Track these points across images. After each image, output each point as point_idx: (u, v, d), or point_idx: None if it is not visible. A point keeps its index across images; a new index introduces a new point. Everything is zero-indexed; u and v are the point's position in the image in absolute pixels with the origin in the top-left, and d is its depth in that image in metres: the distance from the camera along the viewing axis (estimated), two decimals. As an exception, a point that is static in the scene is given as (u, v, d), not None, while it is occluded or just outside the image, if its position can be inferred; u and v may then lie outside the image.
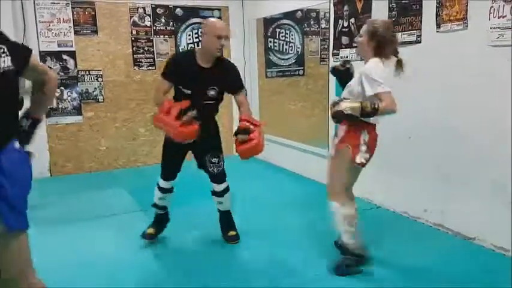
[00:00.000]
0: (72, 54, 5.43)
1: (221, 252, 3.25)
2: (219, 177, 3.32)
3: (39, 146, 5.35)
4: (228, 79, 3.16)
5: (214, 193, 3.36)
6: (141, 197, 4.36)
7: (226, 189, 3.36)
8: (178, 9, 5.94)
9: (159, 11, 5.83)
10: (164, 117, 2.90)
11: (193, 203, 4.09)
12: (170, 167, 3.31)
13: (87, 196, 4.64)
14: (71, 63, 5.45)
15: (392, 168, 3.87)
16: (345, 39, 4.26)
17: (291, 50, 5.72)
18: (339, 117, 2.56)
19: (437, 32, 3.32)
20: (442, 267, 2.88)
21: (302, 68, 5.93)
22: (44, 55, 5.30)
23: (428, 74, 3.43)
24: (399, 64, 2.64)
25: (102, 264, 3.05)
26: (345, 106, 2.51)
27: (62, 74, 5.41)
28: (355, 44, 4.04)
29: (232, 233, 3.41)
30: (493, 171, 3.05)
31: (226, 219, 3.45)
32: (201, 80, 3.03)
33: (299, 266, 2.95)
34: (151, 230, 3.38)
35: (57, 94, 5.43)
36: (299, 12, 5.17)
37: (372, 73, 2.48)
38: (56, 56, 5.36)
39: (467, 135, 3.18)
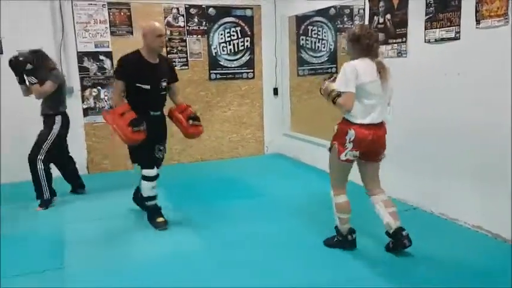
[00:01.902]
0: (108, 55, 5.58)
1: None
2: (160, 162, 3.77)
3: (77, 144, 5.53)
4: (171, 71, 3.72)
5: (149, 178, 3.58)
6: (173, 194, 4.44)
7: (154, 178, 3.64)
8: (211, 9, 5.99)
9: (193, 11, 5.90)
10: (118, 120, 3.35)
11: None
12: (149, 154, 3.63)
13: (123, 193, 4.73)
14: (107, 63, 5.59)
15: (429, 168, 3.78)
16: (380, 36, 4.15)
17: (324, 48, 5.67)
18: (320, 93, 2.99)
19: (476, 28, 3.21)
20: (482, 270, 2.80)
21: (335, 65, 5.87)
22: (81, 55, 5.46)
23: (468, 71, 3.32)
24: (379, 66, 2.83)
25: (137, 258, 3.13)
26: (324, 86, 2.92)
27: (99, 74, 5.56)
28: (391, 41, 4.02)
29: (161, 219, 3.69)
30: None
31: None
32: (154, 74, 3.51)
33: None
34: (161, 219, 3.64)
35: (94, 94, 5.58)
36: (332, 9, 5.11)
37: (344, 71, 2.79)
38: (93, 56, 5.52)
39: (508, 133, 3.06)
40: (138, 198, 3.94)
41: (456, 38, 3.39)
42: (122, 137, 3.39)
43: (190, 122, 3.70)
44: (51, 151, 4.30)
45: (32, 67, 4.11)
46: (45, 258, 3.16)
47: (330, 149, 3.03)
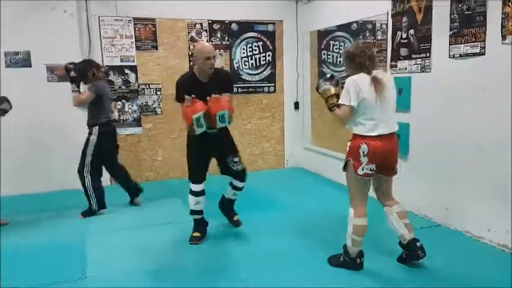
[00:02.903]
0: (133, 69, 5.70)
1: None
2: (242, 174, 3.75)
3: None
4: (223, 84, 3.59)
5: (235, 188, 3.79)
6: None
7: (243, 188, 3.82)
8: (233, 24, 6.08)
9: (215, 26, 6.00)
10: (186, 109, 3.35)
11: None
12: (198, 170, 3.62)
13: (145, 205, 4.81)
14: (132, 77, 5.72)
15: (454, 183, 3.72)
16: (403, 51, 4.17)
17: (346, 72, 5.65)
18: (316, 88, 3.12)
19: (502, 43, 3.17)
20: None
21: (356, 80, 5.84)
22: (107, 69, 5.59)
23: (493, 87, 3.28)
24: (373, 81, 2.84)
25: (158, 270, 3.15)
26: (324, 88, 3.03)
27: (124, 87, 5.69)
28: (414, 56, 4.00)
29: (236, 217, 3.94)
30: None
31: (232, 206, 3.96)
32: (205, 93, 3.41)
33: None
34: (197, 234, 3.69)
35: (119, 106, 5.71)
36: (354, 24, 5.12)
37: (346, 86, 2.87)
38: (119, 70, 5.65)
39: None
40: (224, 205, 3.98)
41: (481, 54, 3.35)
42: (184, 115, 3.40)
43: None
44: (94, 162, 4.38)
45: (75, 75, 4.28)
46: (67, 268, 3.21)
47: (344, 168, 3.02)
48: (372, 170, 2.91)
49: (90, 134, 4.38)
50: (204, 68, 3.46)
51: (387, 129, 2.91)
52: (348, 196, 3.06)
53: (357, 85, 2.83)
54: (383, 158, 2.91)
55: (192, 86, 3.46)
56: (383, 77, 2.91)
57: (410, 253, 3.05)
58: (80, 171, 4.36)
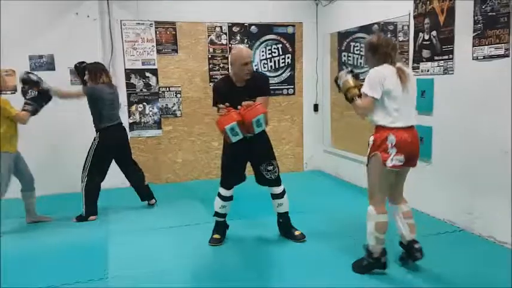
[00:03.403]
0: (154, 72, 5.77)
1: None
2: (276, 181, 3.62)
3: (122, 157, 5.72)
4: (259, 88, 3.50)
5: (275, 196, 3.66)
6: (213, 209, 4.48)
7: (284, 191, 3.68)
8: (253, 27, 6.09)
9: (235, 29, 6.02)
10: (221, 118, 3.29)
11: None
12: (230, 176, 3.59)
13: (164, 206, 4.85)
14: (153, 80, 5.79)
15: (478, 187, 3.64)
16: (426, 53, 4.11)
17: (366, 64, 5.61)
18: (335, 80, 3.10)
19: (529, 44, 3.10)
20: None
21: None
22: (128, 72, 5.68)
23: (519, 89, 3.21)
24: (398, 71, 2.82)
25: (179, 270, 3.17)
26: (344, 79, 2.99)
27: (145, 90, 5.76)
28: (437, 58, 3.94)
29: (297, 232, 3.69)
30: None
31: (287, 221, 3.74)
32: (241, 98, 3.34)
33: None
34: (217, 236, 3.68)
35: (140, 109, 5.78)
36: (375, 25, 5.07)
37: (369, 77, 2.82)
38: (140, 73, 5.72)
39: None
40: (281, 224, 3.80)
41: (506, 55, 3.28)
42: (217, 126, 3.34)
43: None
44: (94, 168, 4.36)
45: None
46: (88, 268, 3.26)
47: (368, 164, 2.95)
48: (401, 162, 2.81)
49: (94, 139, 4.43)
50: (240, 74, 3.39)
51: (410, 122, 2.88)
52: (368, 193, 3.00)
53: (382, 76, 2.79)
54: (410, 149, 2.84)
55: (227, 91, 3.42)
56: (406, 70, 2.90)
57: (408, 253, 3.05)
58: (81, 176, 4.40)
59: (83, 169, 4.39)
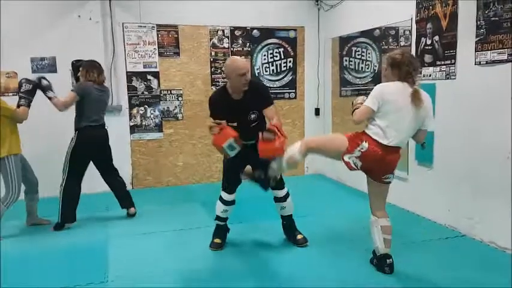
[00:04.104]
0: (156, 75, 5.78)
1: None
2: (278, 185, 3.57)
3: (123, 160, 5.71)
4: (260, 99, 3.39)
5: (278, 199, 3.63)
6: (214, 213, 4.46)
7: (288, 194, 3.65)
8: (255, 31, 6.10)
9: (237, 32, 6.03)
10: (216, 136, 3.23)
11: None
12: (233, 180, 3.57)
13: (165, 209, 4.84)
14: (154, 83, 5.79)
15: (480, 192, 3.62)
16: (428, 57, 4.11)
17: (367, 69, 5.61)
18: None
19: (532, 49, 3.09)
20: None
21: (378, 87, 5.77)
22: (130, 75, 5.68)
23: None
24: (414, 94, 2.84)
25: (179, 274, 3.15)
26: (356, 99, 3.05)
27: (146, 93, 5.76)
28: (439, 63, 3.94)
29: (300, 236, 3.66)
30: None
31: (291, 224, 3.71)
32: (240, 111, 3.32)
33: None
34: (218, 240, 3.66)
35: (141, 112, 5.78)
36: (377, 30, 5.07)
37: (373, 91, 2.88)
38: (141, 76, 5.72)
39: None
40: (285, 227, 3.77)
41: (509, 61, 3.27)
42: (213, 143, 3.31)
43: (265, 134, 3.14)
44: (72, 171, 4.14)
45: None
46: (88, 272, 3.24)
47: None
48: (355, 167, 2.92)
49: (71, 139, 4.20)
50: (237, 85, 3.28)
51: (396, 143, 2.89)
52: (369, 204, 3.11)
53: (384, 91, 2.84)
54: (375, 164, 2.92)
55: (223, 105, 3.33)
56: (422, 94, 2.90)
57: (378, 265, 3.10)
58: (62, 178, 4.19)
59: (63, 171, 4.18)
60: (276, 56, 6.26)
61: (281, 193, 3.63)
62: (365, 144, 2.86)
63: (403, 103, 2.82)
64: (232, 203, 3.62)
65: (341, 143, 2.95)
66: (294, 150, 3.06)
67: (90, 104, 4.19)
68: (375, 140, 2.87)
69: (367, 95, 2.97)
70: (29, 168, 4.21)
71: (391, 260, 3.05)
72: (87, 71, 4.26)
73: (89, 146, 4.24)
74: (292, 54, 6.31)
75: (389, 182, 3.06)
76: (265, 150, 3.09)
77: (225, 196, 3.60)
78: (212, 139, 3.28)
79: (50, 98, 4.07)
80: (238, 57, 3.59)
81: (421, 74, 4.20)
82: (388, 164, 2.96)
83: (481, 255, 3.41)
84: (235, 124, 3.32)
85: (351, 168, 2.94)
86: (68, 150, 4.19)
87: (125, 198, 4.58)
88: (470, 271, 3.10)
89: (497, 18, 3.33)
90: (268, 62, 6.23)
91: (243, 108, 3.34)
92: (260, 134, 3.12)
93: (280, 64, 6.28)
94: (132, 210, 4.58)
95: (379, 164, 2.93)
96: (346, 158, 2.91)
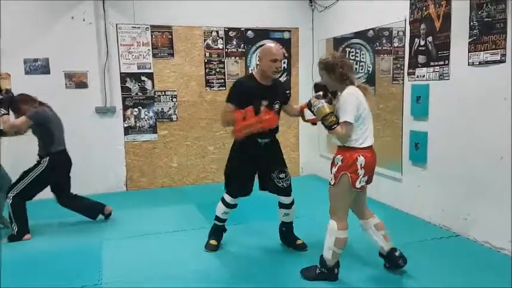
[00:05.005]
0: (150, 76, 5.75)
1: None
2: (287, 190, 3.52)
3: (117, 161, 5.69)
4: (284, 93, 3.62)
5: (283, 205, 3.56)
6: (209, 214, 4.45)
7: (293, 202, 3.59)
8: (249, 32, 6.10)
9: (232, 33, 6.02)
10: (246, 122, 3.13)
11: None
12: (240, 185, 3.47)
13: (159, 211, 4.82)
14: (148, 84, 5.76)
15: (474, 192, 3.64)
16: (421, 58, 4.13)
17: (361, 69, 5.62)
18: (309, 106, 2.98)
19: (524, 50, 3.11)
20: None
21: (373, 87, 5.78)
22: (124, 76, 5.65)
23: (515, 95, 3.22)
24: (364, 91, 2.86)
25: (174, 277, 3.13)
26: (318, 106, 2.84)
27: (140, 94, 5.74)
28: (433, 63, 3.95)
29: (299, 241, 3.62)
30: None
31: (291, 230, 3.67)
32: (268, 96, 3.32)
33: None
34: (213, 242, 3.62)
35: (135, 113, 5.75)
36: (371, 31, 5.09)
37: (346, 102, 2.76)
38: (135, 77, 5.70)
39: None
40: (283, 233, 3.71)
41: (502, 61, 3.29)
42: (263, 126, 3.16)
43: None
44: (29, 190, 3.98)
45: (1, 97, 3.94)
46: (82, 274, 3.22)
47: (334, 183, 2.88)
48: (366, 182, 2.89)
49: (38, 163, 4.02)
50: (268, 70, 3.27)
51: (372, 140, 2.89)
52: (330, 209, 2.97)
53: (357, 99, 2.77)
54: (372, 169, 2.90)
55: (251, 89, 3.30)
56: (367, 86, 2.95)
57: (391, 263, 3.08)
58: (7, 193, 3.98)
59: (12, 188, 3.97)
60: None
61: (288, 200, 3.54)
62: (361, 159, 2.79)
63: (366, 103, 2.83)
64: (234, 206, 3.56)
65: (344, 182, 2.83)
66: (334, 233, 2.90)
67: (57, 126, 4.09)
68: (364, 148, 2.82)
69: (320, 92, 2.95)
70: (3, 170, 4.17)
71: (398, 251, 3.03)
72: (30, 101, 4.02)
73: (62, 171, 4.17)
74: (286, 55, 6.31)
75: None
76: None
77: (229, 199, 3.52)
78: (235, 121, 3.15)
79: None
80: (274, 45, 3.52)
81: (414, 74, 4.24)
82: (375, 162, 2.95)
83: (475, 255, 3.43)
84: (262, 108, 3.24)
85: (363, 189, 2.92)
86: (32, 172, 4.00)
87: (91, 208, 4.42)
88: (464, 271, 3.11)
89: (490, 19, 3.35)
90: (262, 63, 6.22)
91: (270, 94, 3.33)
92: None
93: (275, 65, 6.27)
94: (107, 209, 4.45)
95: (373, 166, 2.92)
96: (357, 185, 2.82)
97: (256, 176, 3.55)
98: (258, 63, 3.47)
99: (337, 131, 2.78)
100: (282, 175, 3.48)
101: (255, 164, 3.44)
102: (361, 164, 2.79)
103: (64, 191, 4.30)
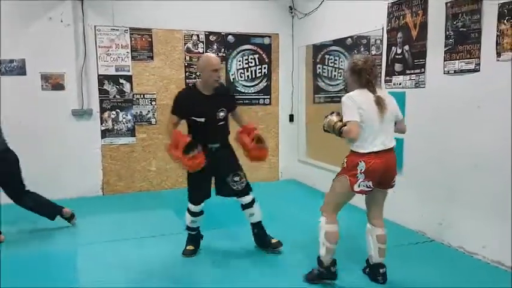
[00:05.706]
0: (128, 79, 5.69)
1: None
2: (243, 191, 3.58)
3: (94, 165, 5.59)
4: (229, 99, 3.66)
5: (245, 206, 3.61)
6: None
7: (254, 200, 3.62)
8: (230, 36, 6.11)
9: (212, 38, 6.02)
10: (173, 151, 3.29)
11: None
12: (197, 192, 3.54)
13: (137, 216, 4.75)
14: (127, 87, 5.70)
15: (449, 198, 3.72)
16: (398, 66, 4.21)
17: (340, 76, 5.71)
18: (324, 129, 3.03)
19: (497, 60, 3.21)
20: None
21: (351, 94, 5.87)
22: (101, 79, 5.57)
23: (488, 104, 3.31)
24: (378, 101, 2.84)
25: (151, 282, 3.11)
26: (328, 120, 2.96)
27: (118, 97, 5.67)
28: (409, 71, 4.03)
29: (274, 240, 3.66)
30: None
31: (261, 230, 3.69)
32: (210, 106, 3.41)
33: None
34: (190, 247, 3.64)
35: (113, 116, 5.67)
36: (349, 39, 5.16)
37: (344, 104, 2.83)
38: (113, 79, 5.63)
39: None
40: (256, 235, 3.72)
41: (476, 70, 3.38)
42: (185, 168, 3.35)
43: (254, 144, 3.51)
44: None
45: None
46: (57, 279, 3.16)
47: (335, 178, 2.99)
48: (368, 187, 2.85)
49: None
50: (209, 80, 3.39)
51: (384, 146, 2.87)
52: (324, 201, 3.04)
53: (354, 101, 2.80)
54: (380, 174, 2.86)
55: (193, 100, 3.41)
56: (384, 96, 2.90)
57: (371, 275, 3.12)
58: None
59: None
60: (251, 62, 6.28)
61: (247, 199, 3.59)
62: (362, 164, 2.80)
63: (372, 110, 2.82)
64: (200, 213, 3.57)
65: (343, 183, 2.88)
66: (324, 227, 2.98)
67: None
68: (367, 154, 2.81)
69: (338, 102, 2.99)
70: None
71: (384, 269, 3.05)
72: None
73: (13, 166, 4.02)
74: (266, 60, 6.35)
75: (394, 185, 3.06)
76: (257, 157, 3.55)
77: (192, 208, 3.55)
78: (186, 164, 3.29)
79: None
80: (212, 54, 3.69)
81: (391, 82, 4.32)
82: (392, 167, 2.95)
83: (449, 260, 3.49)
84: (202, 120, 3.40)
85: (366, 193, 2.90)
86: None
87: (50, 205, 4.25)
88: (437, 276, 3.17)
89: (465, 29, 3.45)
90: (243, 68, 6.24)
91: (213, 103, 3.41)
92: (242, 136, 3.50)
93: (255, 70, 6.31)
94: (65, 211, 4.28)
95: (386, 170, 2.88)
96: (356, 188, 2.84)
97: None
98: (198, 73, 3.55)
99: (344, 131, 2.81)
100: (236, 178, 3.53)
101: (209, 170, 3.43)
102: (361, 169, 2.80)
103: (19, 188, 4.08)
